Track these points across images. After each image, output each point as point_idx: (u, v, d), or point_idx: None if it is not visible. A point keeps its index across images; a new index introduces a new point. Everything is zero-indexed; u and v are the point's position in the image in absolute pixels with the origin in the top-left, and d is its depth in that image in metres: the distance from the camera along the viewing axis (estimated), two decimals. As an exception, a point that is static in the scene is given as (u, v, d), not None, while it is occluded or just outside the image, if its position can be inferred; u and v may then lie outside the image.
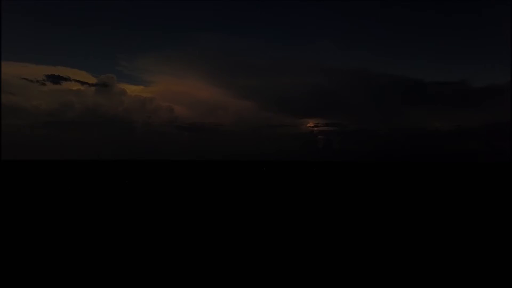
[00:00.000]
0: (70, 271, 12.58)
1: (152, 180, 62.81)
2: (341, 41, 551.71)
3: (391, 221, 22.78)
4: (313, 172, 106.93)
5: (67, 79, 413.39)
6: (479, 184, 56.80)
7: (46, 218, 23.05)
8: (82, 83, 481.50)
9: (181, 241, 16.89)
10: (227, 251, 15.26)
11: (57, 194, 37.53)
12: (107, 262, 13.62)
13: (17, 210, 26.18)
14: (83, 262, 13.53)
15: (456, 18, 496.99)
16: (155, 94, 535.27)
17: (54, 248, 15.59)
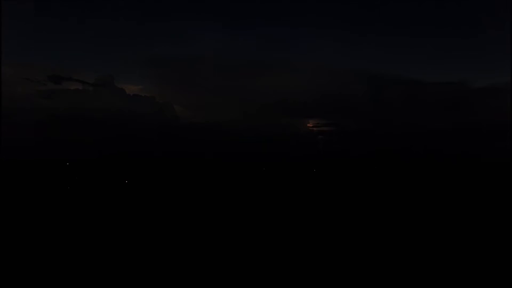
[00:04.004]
0: (70, 270, 12.60)
1: (151, 180, 62.77)
2: (342, 41, 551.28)
3: (391, 220, 22.79)
4: (313, 172, 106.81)
5: (67, 79, 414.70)
6: (479, 184, 56.78)
7: (46, 217, 23.07)
8: (82, 82, 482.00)
9: (181, 240, 16.90)
10: (227, 250, 15.28)
11: (57, 193, 37.52)
12: (107, 261, 13.63)
13: (18, 210, 26.19)
14: (84, 261, 13.55)
15: (456, 18, 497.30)
16: (154, 94, 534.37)
17: (54, 247, 15.60)
